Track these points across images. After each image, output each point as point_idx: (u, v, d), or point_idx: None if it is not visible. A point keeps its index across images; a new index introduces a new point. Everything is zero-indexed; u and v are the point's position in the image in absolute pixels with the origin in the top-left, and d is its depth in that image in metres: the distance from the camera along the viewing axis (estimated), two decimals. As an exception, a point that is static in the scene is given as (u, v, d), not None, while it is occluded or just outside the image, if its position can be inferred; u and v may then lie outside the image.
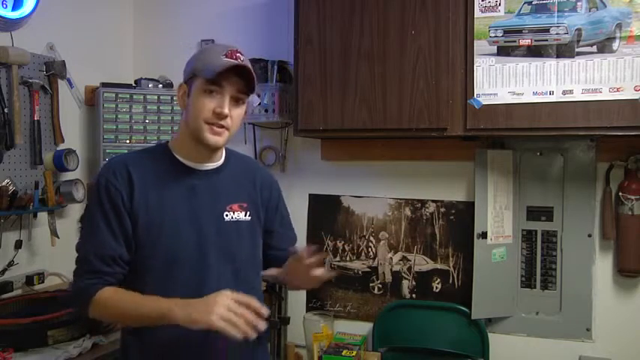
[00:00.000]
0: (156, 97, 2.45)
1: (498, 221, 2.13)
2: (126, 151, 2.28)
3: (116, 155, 1.53)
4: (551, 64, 1.78)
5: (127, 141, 2.41)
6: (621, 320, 2.06)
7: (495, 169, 2.12)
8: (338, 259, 2.43)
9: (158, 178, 1.36)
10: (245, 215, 1.43)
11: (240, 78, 1.31)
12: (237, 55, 1.33)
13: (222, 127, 1.32)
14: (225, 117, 1.31)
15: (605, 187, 2.06)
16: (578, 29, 1.75)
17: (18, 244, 2.10)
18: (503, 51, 1.84)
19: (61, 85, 2.30)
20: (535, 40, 1.80)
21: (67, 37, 2.32)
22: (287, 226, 1.59)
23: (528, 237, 2.16)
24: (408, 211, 2.33)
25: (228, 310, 1.14)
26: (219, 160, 1.44)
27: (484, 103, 1.86)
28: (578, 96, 1.75)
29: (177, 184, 1.37)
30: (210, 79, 1.30)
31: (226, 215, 1.40)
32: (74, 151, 2.24)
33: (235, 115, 1.34)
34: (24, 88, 2.12)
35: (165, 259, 1.33)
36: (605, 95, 1.73)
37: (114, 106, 2.39)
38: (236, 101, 1.34)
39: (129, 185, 1.33)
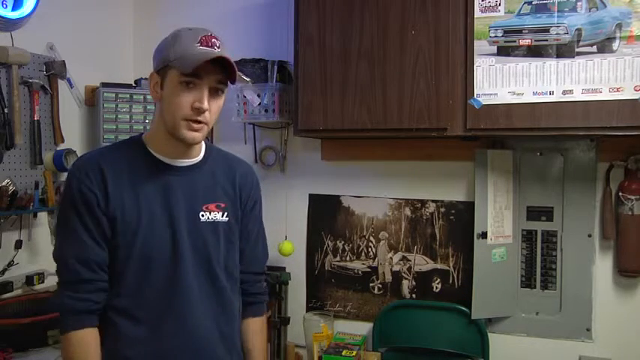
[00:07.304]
0: (156, 97, 2.45)
1: (498, 221, 2.13)
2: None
3: (86, 152, 1.40)
4: (551, 64, 1.78)
5: (127, 141, 2.40)
6: (621, 320, 2.06)
7: (495, 169, 2.12)
8: (338, 259, 2.43)
9: (132, 175, 1.28)
10: (222, 216, 1.35)
11: (219, 67, 1.22)
12: (213, 41, 1.24)
13: (200, 122, 1.24)
14: (204, 112, 1.23)
15: (605, 187, 2.06)
16: (578, 29, 1.75)
17: (18, 244, 2.11)
18: (503, 51, 1.84)
19: (61, 85, 2.30)
20: (535, 40, 1.80)
21: (67, 37, 2.32)
22: (256, 235, 1.48)
23: (528, 237, 2.16)
24: (408, 211, 2.33)
25: None
26: (198, 155, 1.36)
27: (484, 103, 1.86)
28: (578, 96, 1.75)
29: (151, 180, 1.29)
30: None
31: (202, 215, 1.32)
32: (74, 151, 2.24)
33: (214, 108, 1.26)
34: (24, 88, 2.12)
35: (141, 260, 1.25)
36: (605, 95, 1.72)
37: (114, 106, 2.39)
38: (215, 92, 1.26)
39: (103, 185, 1.24)
